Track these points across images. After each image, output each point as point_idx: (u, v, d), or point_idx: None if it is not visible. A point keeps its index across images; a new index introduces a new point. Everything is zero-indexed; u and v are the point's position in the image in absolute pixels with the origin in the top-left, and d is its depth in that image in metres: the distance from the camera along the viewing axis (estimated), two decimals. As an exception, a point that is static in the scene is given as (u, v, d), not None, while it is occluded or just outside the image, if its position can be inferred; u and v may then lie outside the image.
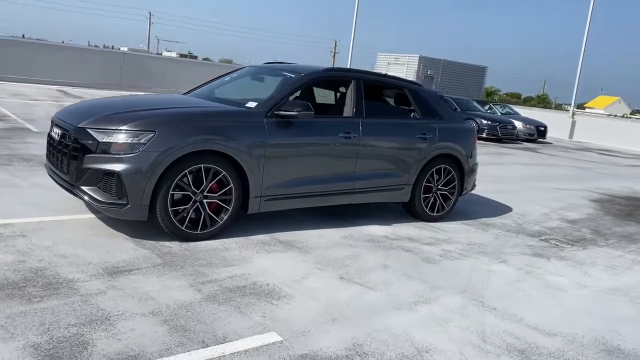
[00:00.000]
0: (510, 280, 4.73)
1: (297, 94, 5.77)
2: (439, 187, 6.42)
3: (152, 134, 4.40)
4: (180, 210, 4.61)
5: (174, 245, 4.56)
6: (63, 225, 4.73)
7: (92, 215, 5.07)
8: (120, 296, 3.51)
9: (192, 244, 4.64)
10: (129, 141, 4.35)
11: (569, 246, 6.11)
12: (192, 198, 4.65)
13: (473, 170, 6.77)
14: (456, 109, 15.86)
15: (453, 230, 6.16)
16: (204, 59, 54.62)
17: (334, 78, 6.20)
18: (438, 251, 5.31)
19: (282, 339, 3.20)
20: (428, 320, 3.69)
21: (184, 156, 4.51)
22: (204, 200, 4.72)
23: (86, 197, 4.44)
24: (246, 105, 5.15)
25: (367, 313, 3.69)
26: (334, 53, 78.28)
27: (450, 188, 6.53)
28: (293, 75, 5.56)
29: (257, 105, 5.13)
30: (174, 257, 4.31)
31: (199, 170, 4.64)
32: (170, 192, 4.50)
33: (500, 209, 7.68)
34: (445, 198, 6.53)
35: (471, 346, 3.40)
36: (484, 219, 6.94)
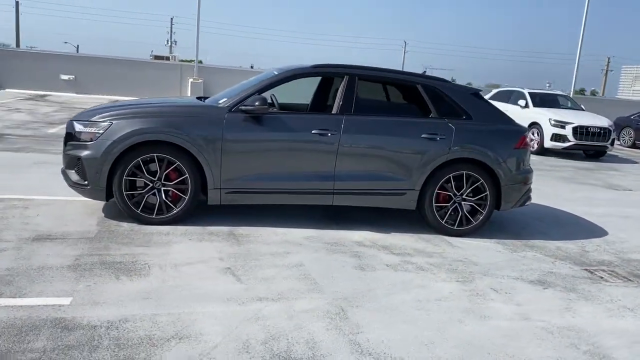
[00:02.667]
0: (427, 297, 3.96)
1: (273, 90, 5.69)
2: (464, 197, 5.59)
3: (109, 125, 4.97)
4: (135, 195, 5.06)
5: (126, 226, 5.03)
6: (69, 204, 5.58)
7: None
8: (16, 254, 4.09)
9: (143, 226, 5.04)
10: (91, 131, 5.00)
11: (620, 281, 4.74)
12: (149, 184, 5.06)
13: (517, 181, 5.70)
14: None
15: (466, 247, 5.31)
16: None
17: (324, 74, 5.94)
18: (395, 262, 4.69)
19: (68, 303, 3.37)
20: (238, 314, 3.42)
21: (137, 145, 4.96)
22: (162, 188, 5.09)
23: (67, 179, 5.21)
24: (219, 101, 5.37)
25: (190, 298, 3.59)
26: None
27: (479, 199, 5.63)
28: (276, 73, 5.58)
29: (225, 100, 5.32)
30: (111, 234, 4.78)
31: (154, 159, 5.03)
32: (125, 177, 4.98)
33: (583, 233, 6.24)
34: (474, 211, 5.66)
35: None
36: (536, 240, 5.78)
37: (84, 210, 5.38)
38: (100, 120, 5.04)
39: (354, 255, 4.76)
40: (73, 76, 20.36)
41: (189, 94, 19.79)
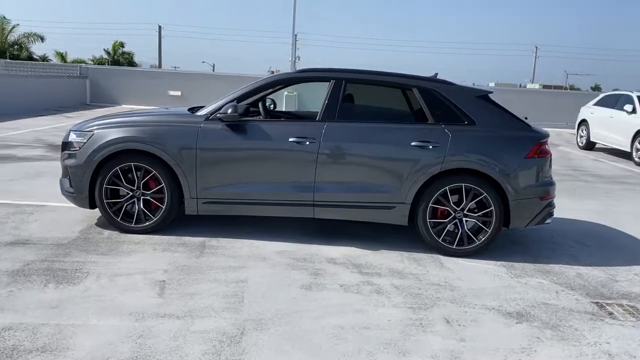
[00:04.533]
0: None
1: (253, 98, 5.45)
2: (466, 212, 4.97)
3: (91, 135, 5.11)
4: (115, 204, 5.14)
5: (107, 234, 5.12)
6: (73, 211, 5.79)
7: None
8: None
9: (122, 235, 5.09)
10: (77, 140, 5.17)
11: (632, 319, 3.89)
12: (128, 193, 5.12)
13: (530, 196, 4.94)
14: None
15: (458, 269, 4.69)
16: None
17: (310, 79, 5.55)
18: (354, 283, 4.25)
19: (-27, 308, 3.45)
20: (125, 330, 3.25)
21: (116, 154, 5.04)
22: (142, 197, 5.12)
23: (60, 187, 5.44)
24: (203, 111, 5.29)
25: (96, 310, 3.50)
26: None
27: (484, 216, 4.96)
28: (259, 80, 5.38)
29: (205, 109, 5.22)
30: (84, 241, 4.88)
31: (132, 169, 5.08)
32: (105, 185, 5.08)
33: (626, 259, 5.25)
34: (478, 228, 5.00)
35: None
36: (557, 265, 4.96)
37: (81, 218, 5.56)
38: (87, 129, 5.18)
39: (313, 273, 4.39)
40: (179, 92, 21.73)
41: (283, 107, 20.20)
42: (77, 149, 5.11)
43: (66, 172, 5.28)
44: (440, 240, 4.99)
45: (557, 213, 5.49)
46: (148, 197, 5.11)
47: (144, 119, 5.26)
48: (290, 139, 4.95)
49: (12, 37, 43.05)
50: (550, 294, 4.26)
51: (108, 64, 46.05)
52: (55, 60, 45.70)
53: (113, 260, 4.43)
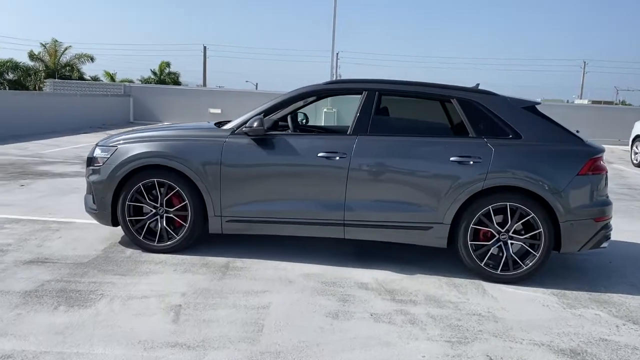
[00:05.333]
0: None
1: (286, 111, 5.19)
2: (511, 234, 4.53)
3: (114, 150, 4.94)
4: (138, 221, 4.93)
5: (129, 252, 4.91)
6: (99, 228, 5.63)
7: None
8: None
9: (144, 254, 4.88)
10: (101, 155, 5.01)
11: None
12: (151, 210, 4.91)
13: (583, 216, 4.47)
14: None
15: (503, 298, 4.25)
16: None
17: (340, 91, 5.23)
18: (385, 312, 3.87)
19: (-24, 332, 3.25)
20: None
21: (139, 170, 4.84)
22: (165, 215, 4.91)
23: (85, 204, 5.28)
24: (228, 124, 5.06)
25: (102, 337, 3.25)
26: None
27: (531, 238, 4.51)
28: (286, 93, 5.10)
29: (231, 123, 4.99)
30: (105, 260, 4.68)
31: (155, 185, 4.87)
32: (128, 202, 4.89)
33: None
34: (525, 252, 4.56)
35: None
36: (616, 294, 4.46)
37: (106, 235, 5.38)
38: (111, 144, 5.02)
39: (342, 299, 4.03)
40: (219, 110, 21.85)
41: (322, 123, 19.98)
42: (101, 164, 4.95)
43: (90, 188, 5.12)
44: (482, 265, 4.55)
45: (614, 235, 4.98)
46: (171, 215, 4.88)
47: (168, 134, 5.06)
48: (319, 154, 4.64)
49: (64, 59, 44.64)
50: (610, 328, 3.77)
51: (154, 84, 47.16)
52: (105, 80, 47.12)
53: (131, 281, 4.20)
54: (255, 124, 4.65)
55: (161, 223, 4.90)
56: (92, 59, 46.21)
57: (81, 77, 44.74)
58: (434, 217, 4.57)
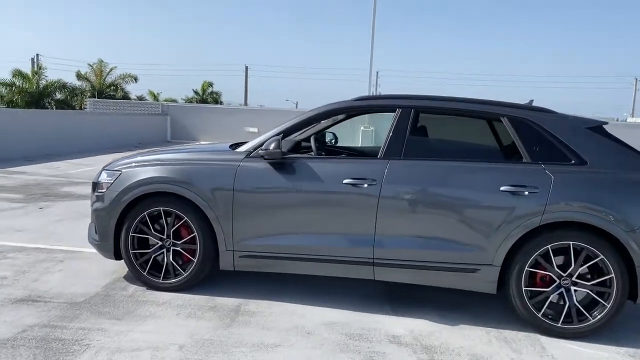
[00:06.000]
0: None
1: (309, 131, 4.59)
2: (575, 279, 3.78)
3: (118, 174, 4.44)
4: (143, 254, 4.41)
5: (131, 290, 4.38)
6: (104, 259, 5.16)
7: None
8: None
9: (147, 292, 4.35)
10: (106, 180, 4.52)
11: None
12: (157, 243, 4.38)
13: (667, 260, 3.67)
14: None
15: (566, 357, 3.50)
16: None
17: (368, 109, 4.58)
18: (421, 375, 3.17)
19: None
20: None
21: (144, 197, 4.33)
22: (172, 248, 4.36)
23: (88, 234, 4.79)
24: (243, 145, 4.50)
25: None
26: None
27: (600, 285, 3.74)
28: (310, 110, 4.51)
29: (247, 145, 4.42)
30: (103, 299, 4.16)
31: (162, 214, 4.34)
32: (132, 233, 4.37)
33: None
34: (592, 301, 3.79)
35: None
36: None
37: (112, 268, 4.88)
38: (116, 168, 4.52)
39: (368, 358, 3.34)
40: (256, 129, 21.52)
41: (359, 144, 19.36)
42: (104, 190, 4.45)
43: (92, 215, 4.63)
44: (540, 316, 3.79)
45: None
46: (179, 248, 4.33)
47: (177, 157, 4.52)
48: (345, 181, 4.01)
49: (109, 79, 45.65)
50: None
51: (197, 103, 47.64)
52: (149, 99, 47.90)
53: (125, 328, 3.63)
54: (271, 146, 4.07)
55: (167, 257, 4.35)
56: (135, 79, 47.12)
57: (125, 97, 45.66)
58: (480, 257, 3.85)
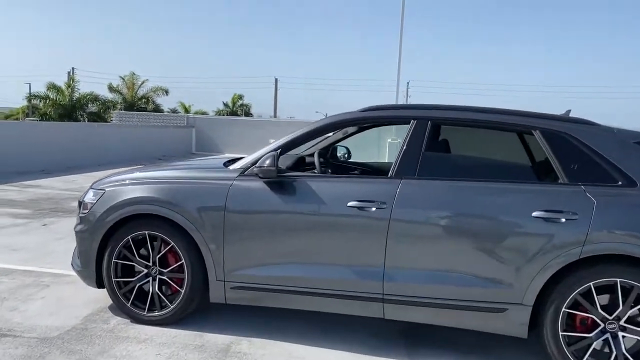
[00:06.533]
0: None
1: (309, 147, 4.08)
2: (623, 323, 3.16)
3: (102, 194, 4.02)
4: (127, 283, 3.96)
5: (113, 323, 3.94)
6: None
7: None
8: None
9: (130, 325, 3.89)
10: (89, 200, 4.11)
11: None
12: (143, 270, 3.93)
13: None
14: None
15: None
16: None
17: (379, 120, 4.04)
18: None
19: None
20: None
21: (129, 219, 3.89)
22: (158, 276, 3.91)
23: (72, 258, 4.39)
24: (238, 162, 4.03)
25: None
26: None
27: (652, 330, 3.12)
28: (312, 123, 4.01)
29: (242, 161, 3.94)
30: (79, 333, 3.72)
31: (147, 239, 3.89)
32: (114, 259, 3.93)
33: None
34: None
35: None
36: None
37: (97, 296, 4.43)
38: (100, 187, 4.10)
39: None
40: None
41: (386, 158, 18.78)
42: (87, 210, 4.02)
43: (77, 239, 4.21)
44: (580, 365, 3.17)
45: None
46: (165, 277, 3.86)
47: (166, 175, 4.08)
48: (350, 203, 3.47)
49: (141, 92, 46.17)
50: None
51: (226, 115, 47.80)
52: (181, 112, 48.26)
53: (92, 371, 3.16)
54: (266, 163, 3.58)
55: (153, 287, 3.88)
56: (166, 92, 47.58)
57: (156, 109, 46.09)
58: (509, 295, 3.26)
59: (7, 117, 47.09)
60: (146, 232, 3.85)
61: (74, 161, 14.44)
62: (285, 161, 3.76)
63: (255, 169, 3.66)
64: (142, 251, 3.94)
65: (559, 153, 3.37)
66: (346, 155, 5.28)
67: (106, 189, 4.02)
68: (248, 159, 3.84)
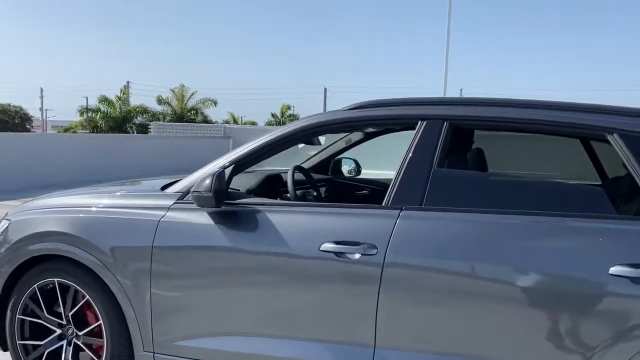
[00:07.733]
0: None
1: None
2: None
3: (6, 226, 3.02)
4: (35, 347, 2.93)
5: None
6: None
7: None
8: None
9: (33, 407, 2.83)
10: (-4, 233, 3.11)
11: None
12: (56, 330, 2.90)
13: None
14: None
15: None
16: None
17: (371, 121, 2.76)
18: None
19: None
20: None
21: (35, 261, 2.87)
22: (74, 341, 2.86)
23: None
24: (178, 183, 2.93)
25: None
26: None
27: None
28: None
29: (182, 182, 2.84)
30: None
31: (57, 289, 2.85)
32: (18, 315, 2.91)
33: None
34: None
35: None
36: None
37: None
38: (7, 217, 3.11)
39: None
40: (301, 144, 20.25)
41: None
42: (-9, 247, 3.01)
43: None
44: None
45: None
46: (80, 342, 2.80)
47: (82, 202, 3.01)
48: (323, 246, 2.29)
49: (190, 103, 46.35)
50: None
51: (275, 125, 47.40)
52: (231, 123, 48.19)
53: None
54: (203, 186, 2.44)
55: (66, 354, 2.83)
56: (215, 103, 47.64)
57: (205, 121, 46.13)
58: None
59: (66, 130, 48.36)
60: (55, 279, 2.80)
61: (100, 174, 13.78)
62: (248, 181, 2.64)
63: (190, 195, 2.54)
64: (56, 305, 2.89)
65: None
66: (354, 171, 4.11)
67: (12, 219, 3.01)
68: (187, 180, 2.73)
